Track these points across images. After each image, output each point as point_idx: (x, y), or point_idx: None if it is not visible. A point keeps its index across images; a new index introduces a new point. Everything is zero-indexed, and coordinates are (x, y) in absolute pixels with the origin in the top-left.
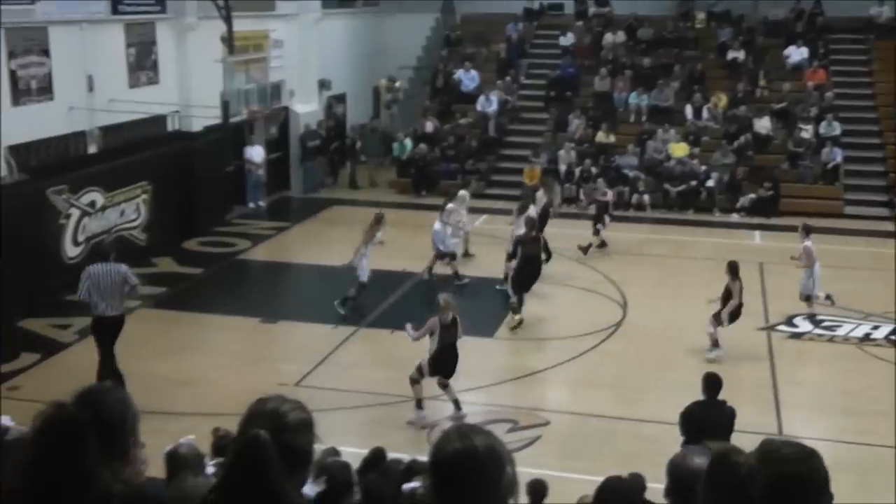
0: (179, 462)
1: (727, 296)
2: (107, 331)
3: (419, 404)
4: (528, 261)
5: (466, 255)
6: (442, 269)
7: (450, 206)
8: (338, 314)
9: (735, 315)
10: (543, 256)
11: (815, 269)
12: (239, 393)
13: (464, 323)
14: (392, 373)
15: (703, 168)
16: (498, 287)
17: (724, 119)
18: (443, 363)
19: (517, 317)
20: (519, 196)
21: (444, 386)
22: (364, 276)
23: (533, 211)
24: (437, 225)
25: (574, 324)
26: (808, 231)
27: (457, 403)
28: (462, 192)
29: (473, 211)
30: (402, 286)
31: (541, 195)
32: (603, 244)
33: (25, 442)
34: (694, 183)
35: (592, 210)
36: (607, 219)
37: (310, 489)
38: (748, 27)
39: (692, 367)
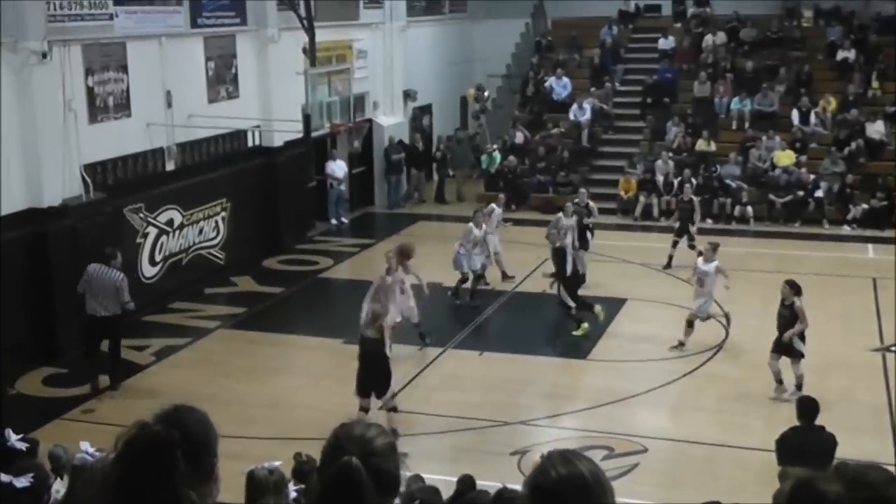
0: (261, 486)
1: (791, 320)
2: (96, 330)
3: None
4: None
5: (504, 277)
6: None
7: (469, 225)
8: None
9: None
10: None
11: (712, 292)
12: (321, 416)
13: (555, 344)
14: (481, 396)
15: (811, 177)
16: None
17: (834, 124)
18: (361, 378)
19: (585, 325)
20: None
21: (364, 404)
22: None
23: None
24: (456, 245)
25: (673, 344)
26: (714, 249)
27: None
28: (491, 206)
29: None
30: (492, 304)
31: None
32: (670, 262)
33: (107, 465)
34: (801, 193)
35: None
36: (693, 228)
37: None
38: (859, 24)
39: (802, 391)
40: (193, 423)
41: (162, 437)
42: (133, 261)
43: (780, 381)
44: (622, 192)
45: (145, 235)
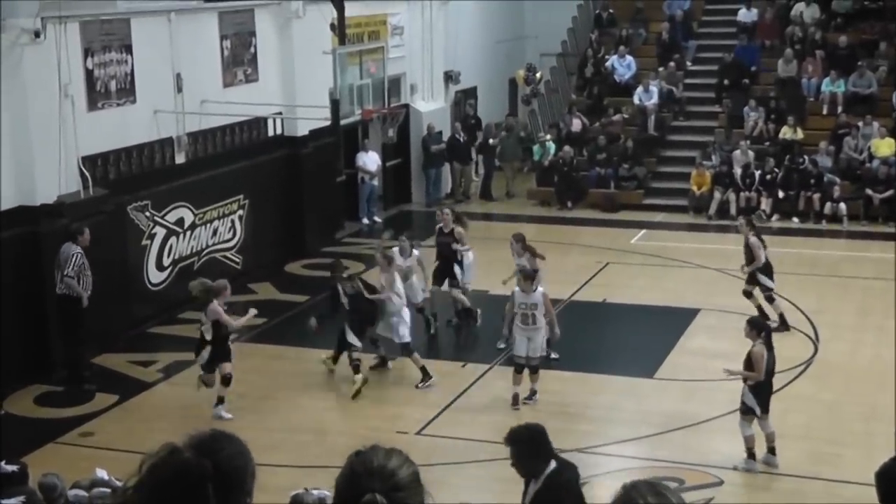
0: None
1: (749, 366)
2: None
3: None
4: None
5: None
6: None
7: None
8: (470, 350)
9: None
10: None
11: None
12: (351, 442)
13: (617, 360)
14: (534, 418)
15: None
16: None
17: None
18: None
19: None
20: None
21: None
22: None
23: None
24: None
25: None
26: (528, 277)
27: None
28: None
29: (630, 225)
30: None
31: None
32: None
33: (127, 490)
34: None
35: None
36: None
37: None
38: None
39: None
40: (231, 454)
41: (192, 467)
42: (138, 265)
43: (751, 454)
44: (694, 188)
45: (152, 237)
